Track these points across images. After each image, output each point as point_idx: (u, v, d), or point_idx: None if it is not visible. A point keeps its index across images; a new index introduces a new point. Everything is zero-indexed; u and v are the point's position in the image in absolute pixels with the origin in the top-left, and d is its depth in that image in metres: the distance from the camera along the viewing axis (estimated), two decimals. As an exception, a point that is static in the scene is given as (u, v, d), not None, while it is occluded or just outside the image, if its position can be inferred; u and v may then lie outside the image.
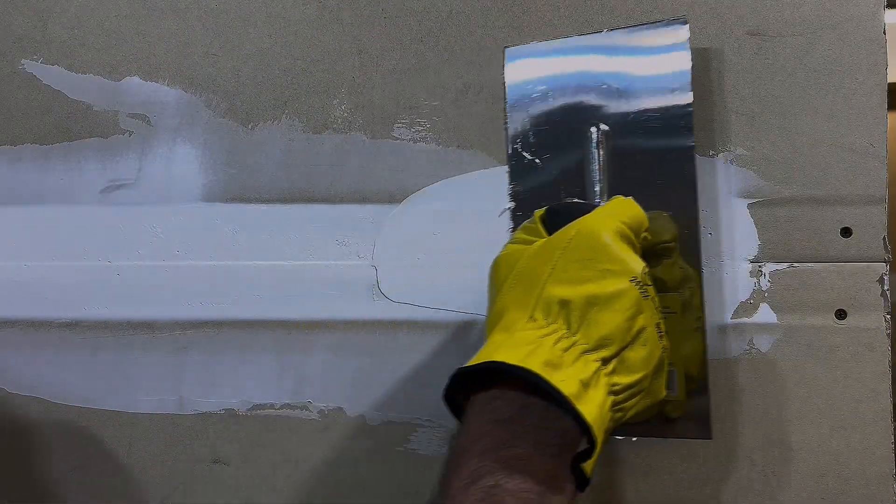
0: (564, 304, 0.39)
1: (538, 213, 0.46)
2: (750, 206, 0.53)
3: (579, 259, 0.40)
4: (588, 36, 0.54)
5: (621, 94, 0.53)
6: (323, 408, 0.60)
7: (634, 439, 0.54)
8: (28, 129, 0.63)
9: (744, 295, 0.54)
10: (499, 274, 0.44)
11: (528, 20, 0.58)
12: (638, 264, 0.41)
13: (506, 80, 0.56)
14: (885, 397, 0.51)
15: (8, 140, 0.64)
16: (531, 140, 0.55)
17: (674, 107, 0.51)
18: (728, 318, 0.54)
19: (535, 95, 0.55)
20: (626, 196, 0.46)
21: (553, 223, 0.45)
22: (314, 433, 0.60)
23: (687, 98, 0.51)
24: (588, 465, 0.38)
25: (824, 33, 0.53)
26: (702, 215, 0.53)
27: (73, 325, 0.63)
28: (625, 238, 0.42)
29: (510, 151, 0.56)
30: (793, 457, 0.53)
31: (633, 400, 0.40)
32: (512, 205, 0.56)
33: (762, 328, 0.53)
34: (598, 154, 0.52)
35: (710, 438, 0.51)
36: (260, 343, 0.60)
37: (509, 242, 0.45)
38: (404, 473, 0.58)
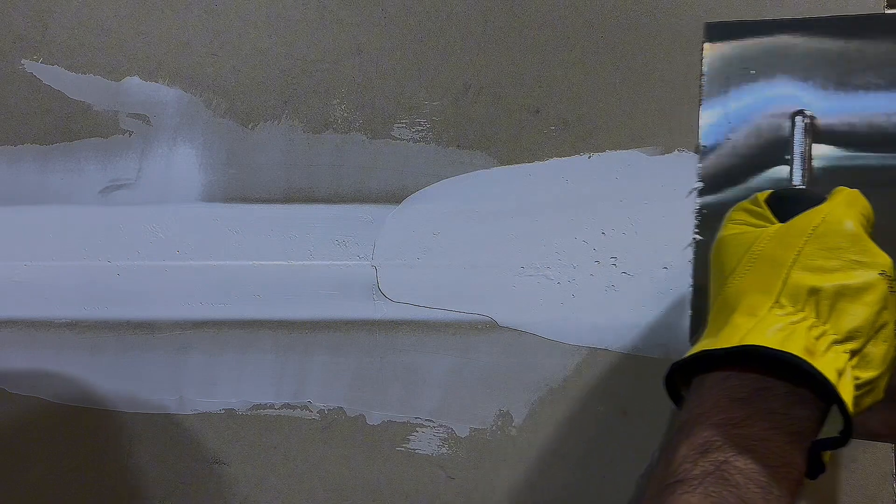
0: (814, 291, 0.38)
1: (761, 196, 0.44)
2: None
3: (827, 247, 0.39)
4: (804, 18, 0.52)
5: (834, 82, 0.51)
6: (323, 408, 0.60)
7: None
8: (28, 129, 0.63)
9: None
10: (728, 255, 0.42)
11: (527, 20, 0.58)
12: (886, 258, 0.40)
13: (704, 55, 0.53)
14: (885, 397, 0.51)
15: (8, 140, 0.64)
16: (726, 120, 0.53)
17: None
18: (728, 318, 0.54)
19: (735, 74, 0.53)
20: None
21: (781, 209, 0.44)
22: (314, 433, 0.60)
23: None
24: (828, 455, 0.38)
25: (824, 33, 0.53)
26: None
27: (73, 325, 0.63)
28: (867, 230, 0.41)
29: (703, 129, 0.53)
30: (793, 457, 0.52)
31: (865, 398, 0.39)
32: (700, 184, 0.53)
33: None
34: (806, 142, 0.50)
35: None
36: (260, 343, 0.60)
37: (729, 223, 0.44)
38: (404, 473, 0.58)
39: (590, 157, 0.56)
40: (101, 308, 0.62)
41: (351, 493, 0.59)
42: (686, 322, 0.54)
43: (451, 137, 0.58)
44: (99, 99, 0.63)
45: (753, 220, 0.43)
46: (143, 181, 0.62)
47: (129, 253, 0.62)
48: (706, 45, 0.53)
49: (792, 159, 0.50)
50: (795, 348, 0.36)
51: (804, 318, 0.38)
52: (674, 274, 0.55)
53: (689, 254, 0.54)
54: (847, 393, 0.36)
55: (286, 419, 0.60)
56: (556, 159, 0.57)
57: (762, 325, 0.38)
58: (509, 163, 0.57)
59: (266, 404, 0.60)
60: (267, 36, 0.61)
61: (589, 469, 0.55)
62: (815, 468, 0.38)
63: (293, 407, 0.60)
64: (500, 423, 0.57)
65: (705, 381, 0.38)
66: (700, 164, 0.53)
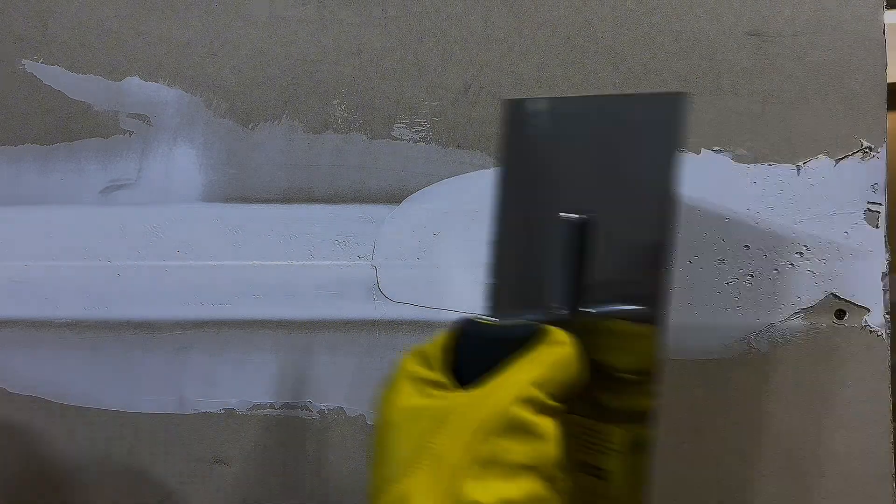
0: None
1: (433, 348, 0.39)
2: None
3: (496, 449, 0.35)
4: (580, 98, 0.47)
5: (608, 172, 0.43)
6: (323, 408, 0.60)
7: None
8: (28, 129, 0.63)
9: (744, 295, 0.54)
10: (400, 438, 0.37)
11: (527, 20, 0.58)
12: (556, 456, 0.36)
13: (504, 137, 0.48)
14: (885, 397, 0.52)
15: (8, 140, 0.64)
16: (514, 211, 0.47)
17: (657, 194, 0.40)
18: (728, 319, 0.54)
19: (524, 160, 0.47)
20: (588, 296, 0.40)
21: (466, 354, 0.39)
22: (314, 433, 0.60)
23: (673, 186, 0.40)
24: None
25: (824, 33, 0.53)
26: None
27: (73, 325, 0.63)
28: (550, 412, 0.36)
29: (494, 218, 0.48)
30: (793, 457, 0.53)
31: None
32: (492, 281, 0.47)
33: (762, 328, 0.53)
34: (569, 247, 0.42)
35: None
36: (260, 343, 0.60)
37: (405, 386, 0.38)
38: (404, 473, 0.58)
39: (590, 157, 0.56)
40: (101, 308, 0.62)
41: (351, 493, 0.59)
42: (687, 322, 0.54)
43: (451, 137, 0.58)
44: (99, 99, 0.63)
45: (432, 378, 0.38)
46: (144, 181, 0.62)
47: (129, 253, 0.62)
48: (506, 120, 0.47)
49: (552, 271, 0.42)
50: None
51: None
52: (674, 274, 0.55)
53: (690, 254, 0.54)
54: None
55: (286, 419, 0.60)
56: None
57: None
58: (509, 163, 0.57)
59: (266, 404, 0.60)
60: (267, 36, 0.61)
61: (589, 469, 0.55)
62: None
63: (293, 407, 0.60)
64: (500, 423, 0.57)
65: None
66: (491, 264, 0.47)
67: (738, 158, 0.54)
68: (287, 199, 0.60)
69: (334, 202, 0.60)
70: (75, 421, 0.62)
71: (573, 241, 0.42)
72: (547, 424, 0.36)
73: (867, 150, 0.52)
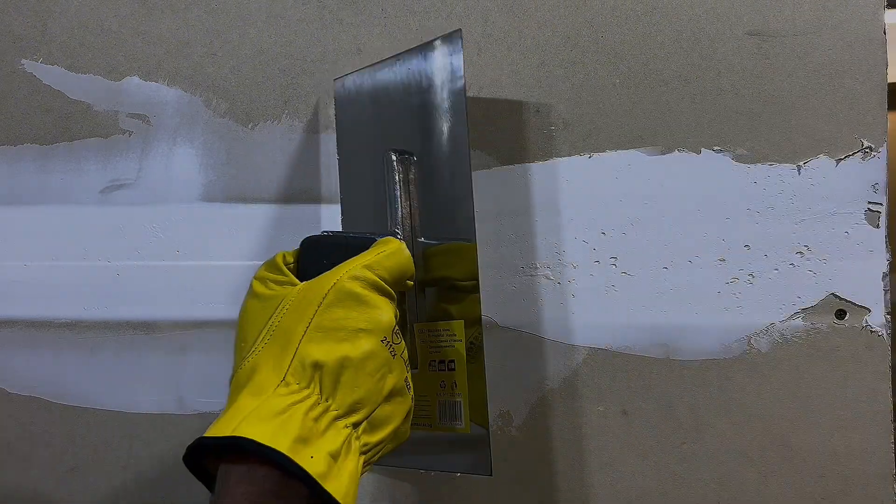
0: (318, 366, 0.38)
1: (282, 254, 0.45)
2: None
3: (334, 316, 0.39)
4: (390, 60, 0.53)
5: (418, 116, 0.51)
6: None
7: (433, 474, 0.54)
8: (28, 128, 0.63)
9: (744, 296, 0.54)
10: (250, 325, 0.42)
11: (527, 21, 0.58)
12: (389, 322, 0.40)
13: (336, 108, 0.57)
14: (885, 397, 0.51)
15: (8, 140, 0.64)
16: (355, 165, 0.55)
17: (454, 125, 0.50)
18: (728, 319, 0.54)
19: (356, 122, 0.55)
20: (420, 228, 0.48)
21: (308, 261, 0.44)
22: (314, 433, 0.60)
23: (461, 119, 0.49)
24: None
25: (824, 33, 0.53)
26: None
27: (73, 325, 0.63)
28: (381, 291, 0.41)
29: (340, 177, 0.56)
30: (793, 457, 0.53)
31: (382, 450, 0.40)
32: (344, 218, 0.56)
33: (762, 328, 0.53)
34: (396, 180, 0.50)
35: (489, 475, 0.47)
36: (260, 343, 0.60)
37: (255, 285, 0.44)
38: (404, 473, 0.58)
39: (590, 157, 0.56)
40: (101, 308, 0.62)
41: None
42: (687, 322, 0.54)
43: (451, 137, 0.58)
44: (99, 99, 0.63)
45: (279, 279, 0.43)
46: (143, 181, 0.62)
47: (129, 253, 0.62)
48: (335, 99, 0.57)
49: (390, 199, 0.50)
50: (286, 438, 0.35)
51: (307, 397, 0.37)
52: (674, 274, 0.55)
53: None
54: (343, 475, 0.36)
55: (286, 419, 0.60)
56: (556, 159, 0.57)
57: (263, 407, 0.37)
58: (509, 163, 0.57)
59: (266, 404, 0.60)
60: (267, 36, 0.61)
61: (589, 469, 0.55)
62: None
63: (293, 407, 0.60)
64: (500, 423, 0.57)
65: (230, 474, 0.36)
66: (340, 216, 0.56)
67: (738, 158, 0.54)
68: (287, 199, 0.60)
69: (334, 202, 0.60)
70: (75, 421, 0.62)
71: (401, 174, 0.50)
72: (377, 297, 0.41)
73: (867, 150, 0.52)
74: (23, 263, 0.63)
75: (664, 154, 0.55)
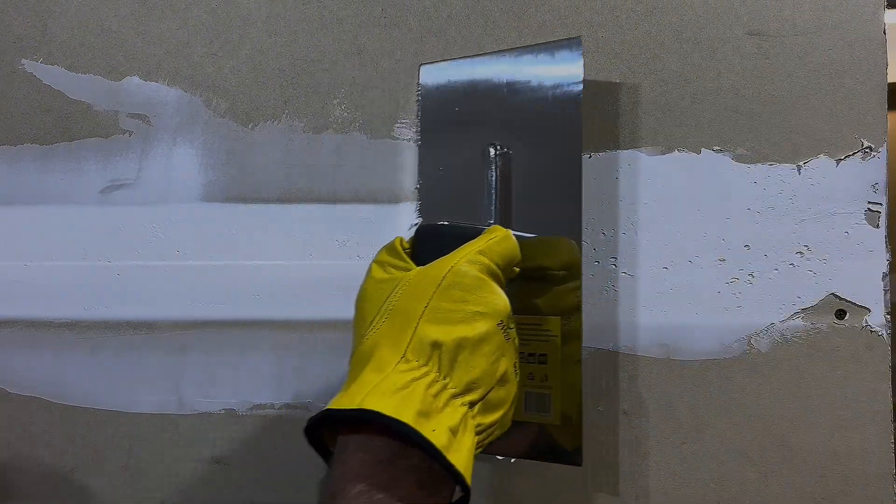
0: (437, 345, 0.39)
1: (399, 239, 0.47)
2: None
3: (452, 299, 0.40)
4: (494, 54, 0.54)
5: (521, 113, 0.52)
6: (323, 408, 0.59)
7: (513, 460, 0.54)
8: (28, 129, 0.63)
9: (746, 295, 0.54)
10: (368, 304, 0.43)
11: (527, 20, 0.58)
12: (504, 307, 0.42)
13: (421, 96, 0.57)
14: (885, 397, 0.51)
15: (8, 140, 0.64)
16: (440, 156, 0.55)
17: (565, 126, 0.51)
18: (728, 319, 0.54)
19: (444, 112, 0.55)
20: (515, 222, 0.48)
21: (423, 248, 0.45)
22: (314, 433, 0.60)
23: (577, 122, 0.50)
24: None
25: (824, 33, 0.53)
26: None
27: (73, 325, 0.63)
28: (494, 276, 0.43)
29: (420, 166, 0.57)
30: (793, 457, 0.53)
31: (492, 434, 0.41)
32: (420, 220, 0.56)
33: (762, 328, 0.53)
34: (495, 174, 0.51)
35: (579, 465, 0.49)
36: (260, 343, 0.60)
37: (374, 268, 0.45)
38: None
39: (589, 157, 0.56)
40: (101, 308, 0.62)
41: (351, 493, 0.59)
42: (687, 322, 0.54)
43: (451, 137, 0.58)
44: (99, 99, 0.63)
45: (397, 264, 0.45)
46: (143, 181, 0.62)
47: (129, 253, 0.62)
48: (421, 86, 0.57)
49: (486, 192, 0.51)
50: (410, 411, 0.37)
51: (426, 374, 0.39)
52: (674, 274, 0.55)
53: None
54: (462, 450, 0.37)
55: (286, 419, 0.60)
56: (556, 159, 0.57)
57: (386, 382, 0.38)
58: (509, 163, 0.57)
59: (266, 404, 0.60)
60: (267, 36, 0.61)
61: (589, 469, 0.55)
62: None
63: (293, 407, 0.60)
64: (500, 423, 0.57)
65: (348, 444, 0.38)
66: (418, 202, 0.57)
67: (738, 158, 0.54)
68: (287, 199, 0.60)
69: (334, 202, 0.60)
70: (75, 421, 0.62)
71: (496, 170, 0.51)
72: (492, 281, 0.42)
73: (867, 150, 0.52)
74: (23, 263, 0.63)
75: (664, 154, 0.55)
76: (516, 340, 0.43)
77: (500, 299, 0.42)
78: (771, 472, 0.53)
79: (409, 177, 0.59)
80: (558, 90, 0.51)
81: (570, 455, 0.49)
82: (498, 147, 0.52)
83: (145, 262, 0.62)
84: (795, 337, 0.53)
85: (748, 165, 0.54)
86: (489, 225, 0.48)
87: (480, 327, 0.40)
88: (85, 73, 0.63)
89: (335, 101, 0.60)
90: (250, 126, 0.61)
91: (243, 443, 0.60)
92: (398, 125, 0.59)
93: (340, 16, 0.60)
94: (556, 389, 0.49)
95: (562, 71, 0.51)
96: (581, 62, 0.50)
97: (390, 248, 0.46)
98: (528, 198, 0.51)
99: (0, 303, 0.63)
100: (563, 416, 0.49)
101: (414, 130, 0.59)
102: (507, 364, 0.41)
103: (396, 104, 0.59)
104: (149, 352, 0.62)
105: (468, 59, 0.55)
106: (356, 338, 0.43)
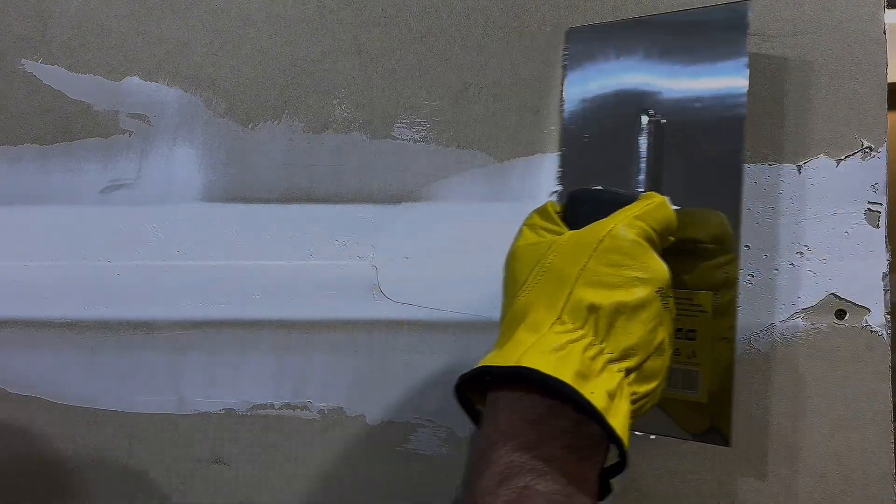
0: (593, 308, 0.38)
1: (551, 202, 0.46)
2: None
3: (609, 263, 0.39)
4: (648, 18, 0.53)
5: (677, 81, 0.50)
6: (323, 408, 0.60)
7: (653, 437, 0.53)
8: (28, 129, 0.63)
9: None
10: (520, 265, 0.42)
11: (527, 20, 0.58)
12: (664, 274, 0.40)
13: (565, 60, 0.55)
14: (885, 397, 0.51)
15: (8, 140, 0.64)
16: (584, 123, 0.54)
17: (727, 97, 0.49)
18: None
19: (592, 78, 0.54)
20: (664, 193, 0.45)
21: (576, 212, 0.44)
22: (314, 433, 0.60)
23: (741, 91, 0.48)
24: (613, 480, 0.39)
25: (824, 33, 0.53)
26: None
27: (73, 325, 0.63)
28: (651, 242, 0.41)
29: (563, 133, 0.55)
30: (793, 457, 0.53)
31: (645, 406, 0.40)
32: (560, 188, 0.55)
33: (762, 328, 0.53)
34: (647, 143, 0.50)
35: (728, 446, 0.48)
36: (260, 343, 0.60)
37: (526, 231, 0.44)
38: (404, 473, 0.58)
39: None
40: (101, 308, 0.62)
41: (351, 493, 0.59)
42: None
43: (451, 137, 0.58)
44: (99, 99, 0.63)
45: (548, 227, 0.44)
46: (143, 181, 0.62)
47: (129, 253, 0.62)
48: (568, 50, 0.55)
49: (632, 161, 0.50)
50: (568, 372, 0.36)
51: (582, 337, 0.38)
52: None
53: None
54: (620, 415, 0.37)
55: (286, 419, 0.60)
56: (552, 156, 0.57)
57: (542, 342, 0.38)
58: (507, 160, 0.57)
59: (266, 404, 0.60)
60: (267, 36, 0.61)
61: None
62: (603, 490, 0.39)
63: (293, 407, 0.60)
64: (500, 423, 0.57)
65: (499, 401, 0.38)
66: (559, 170, 0.55)
67: (739, 158, 0.54)
68: (287, 199, 0.60)
69: (334, 202, 0.60)
70: (75, 421, 0.62)
71: (650, 137, 0.50)
72: (650, 247, 0.40)
73: (867, 150, 0.52)
74: (23, 263, 0.63)
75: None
76: (674, 310, 0.42)
77: (659, 265, 0.40)
78: (771, 472, 0.53)
79: (409, 177, 0.59)
80: (718, 58, 0.49)
81: (718, 434, 0.48)
82: (651, 113, 0.50)
83: (145, 262, 0.62)
84: (795, 337, 0.53)
85: (748, 165, 0.54)
86: (640, 193, 0.46)
87: (639, 293, 0.39)
88: (85, 73, 0.63)
89: (335, 101, 0.60)
90: (250, 126, 0.61)
91: (243, 443, 0.60)
92: (398, 125, 0.59)
93: (340, 16, 0.60)
94: (705, 366, 0.47)
95: (723, 37, 0.48)
96: (746, 28, 0.48)
97: (542, 212, 0.45)
98: (679, 168, 0.50)
99: (0, 303, 0.63)
100: (710, 394, 0.47)
101: (414, 130, 0.59)
102: (664, 333, 0.40)
103: (396, 104, 0.59)
104: (149, 352, 0.62)
105: (618, 24, 0.53)
106: (507, 298, 0.43)
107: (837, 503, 0.52)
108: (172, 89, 0.62)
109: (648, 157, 0.50)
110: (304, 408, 0.60)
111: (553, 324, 0.39)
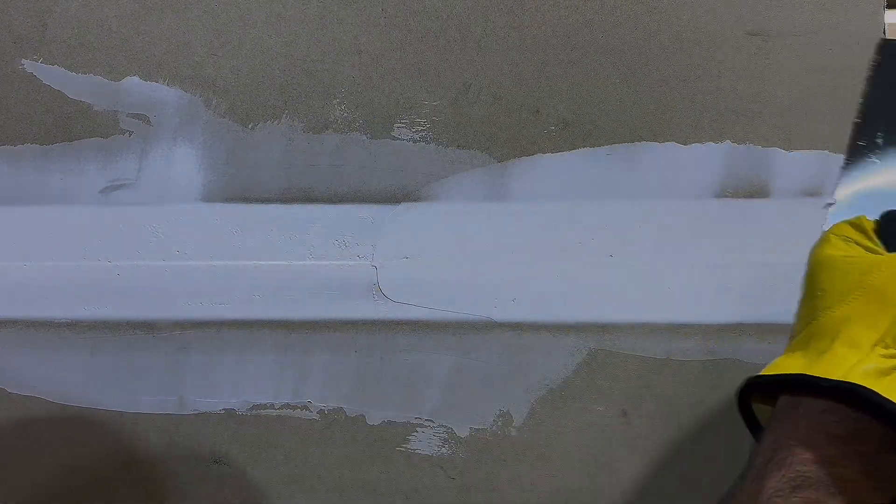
0: None
1: (863, 217, 0.44)
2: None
3: None
4: None
5: None
6: (323, 408, 0.60)
7: None
8: (28, 129, 0.63)
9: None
10: (830, 275, 0.41)
11: (527, 20, 0.58)
12: None
13: (876, 73, 0.52)
14: (885, 397, 0.51)
15: (8, 140, 0.64)
16: (881, 142, 0.52)
17: None
18: (727, 319, 0.54)
19: None
20: None
21: (890, 231, 0.43)
22: (314, 433, 0.60)
23: None
24: None
25: (824, 33, 0.53)
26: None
27: (73, 325, 0.63)
28: None
29: (853, 149, 0.52)
30: (793, 457, 0.52)
31: None
32: (835, 200, 0.53)
33: (762, 328, 0.53)
34: None
35: None
36: (260, 343, 0.60)
37: (835, 240, 0.43)
38: (404, 473, 0.58)
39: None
40: (101, 308, 0.62)
41: (351, 493, 0.59)
42: (688, 321, 0.54)
43: (451, 137, 0.58)
44: (99, 99, 0.63)
45: (863, 241, 0.43)
46: (143, 181, 0.62)
47: (129, 253, 0.62)
48: (878, 59, 0.52)
49: None
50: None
51: None
52: (674, 273, 0.55)
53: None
54: None
55: (286, 419, 0.60)
56: (552, 156, 0.57)
57: (865, 362, 0.37)
58: (507, 160, 0.57)
59: (266, 404, 0.60)
60: (267, 36, 0.61)
61: (589, 469, 0.55)
62: None
63: (293, 407, 0.60)
64: (500, 423, 0.57)
65: (799, 408, 0.38)
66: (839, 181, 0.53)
67: (739, 158, 0.54)
68: (287, 199, 0.60)
69: (334, 202, 0.60)
70: (75, 421, 0.62)
71: None
72: None
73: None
74: (23, 263, 0.63)
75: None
76: None
77: None
78: (771, 472, 0.53)
79: (409, 177, 0.59)
80: None
81: None
82: None
83: (145, 262, 0.62)
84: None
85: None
86: None
87: None
88: (85, 73, 0.63)
89: (335, 101, 0.60)
90: (250, 126, 0.61)
91: (243, 443, 0.60)
92: (398, 125, 0.59)
93: (340, 16, 0.60)
94: None
95: None
96: None
97: (856, 225, 0.44)
98: None
99: (0, 303, 0.63)
100: None
101: (414, 130, 0.59)
102: None
103: (396, 104, 0.59)
104: (149, 352, 0.62)
105: None
106: (810, 304, 0.41)
107: (837, 503, 0.52)
108: (172, 89, 0.62)
109: None
110: (304, 408, 0.60)
111: (875, 345, 0.38)
